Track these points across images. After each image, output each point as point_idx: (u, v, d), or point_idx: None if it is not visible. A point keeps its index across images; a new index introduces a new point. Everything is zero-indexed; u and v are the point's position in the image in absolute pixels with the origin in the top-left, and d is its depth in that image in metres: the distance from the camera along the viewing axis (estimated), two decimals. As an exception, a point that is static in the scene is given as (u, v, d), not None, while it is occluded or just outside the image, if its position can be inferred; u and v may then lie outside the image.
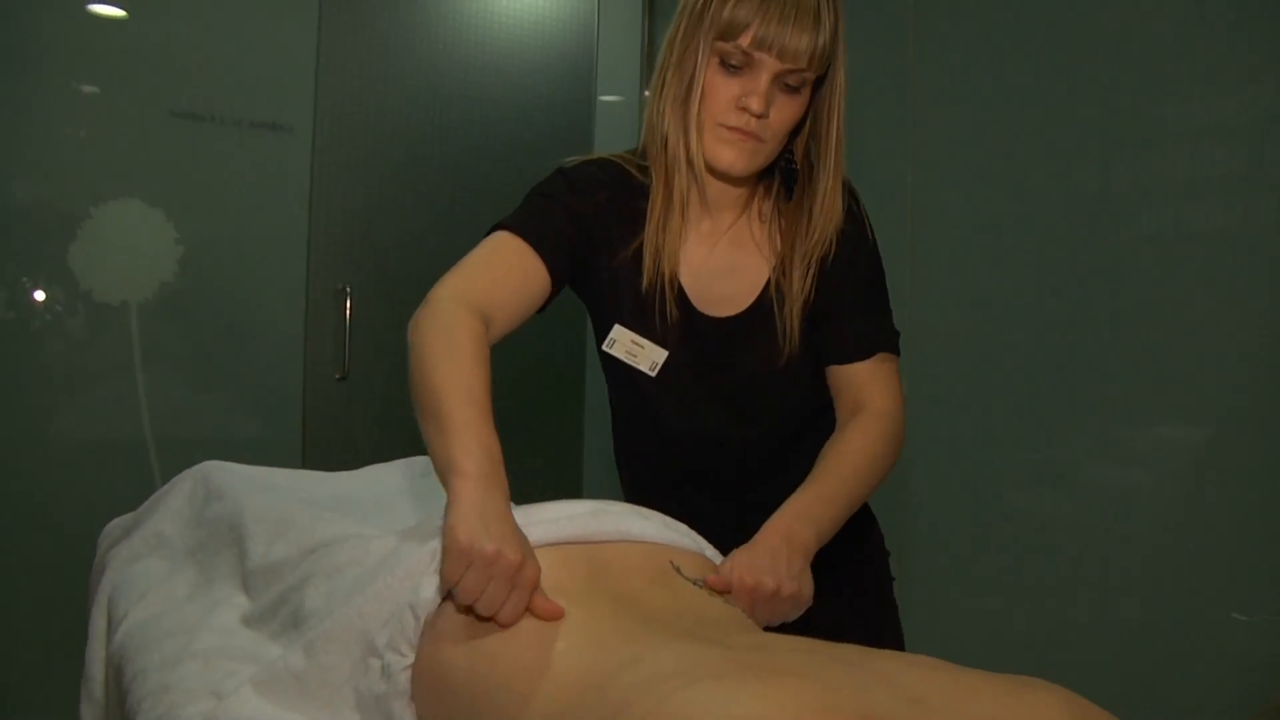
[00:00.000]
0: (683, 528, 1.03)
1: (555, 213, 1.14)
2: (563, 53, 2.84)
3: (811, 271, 1.16)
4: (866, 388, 1.17)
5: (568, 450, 2.87)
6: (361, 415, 2.55)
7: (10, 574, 2.19)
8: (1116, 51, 1.88)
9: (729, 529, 1.06)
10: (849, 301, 1.18)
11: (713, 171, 1.14)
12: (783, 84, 1.08)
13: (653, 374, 1.19)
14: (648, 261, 1.16)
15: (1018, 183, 2.08)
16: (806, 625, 0.99)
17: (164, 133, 2.32)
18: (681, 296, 1.18)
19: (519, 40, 2.77)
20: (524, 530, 0.86)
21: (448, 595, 0.85)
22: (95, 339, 2.29)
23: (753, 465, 1.24)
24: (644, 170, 1.18)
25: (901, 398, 1.18)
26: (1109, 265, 1.88)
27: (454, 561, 0.81)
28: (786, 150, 1.17)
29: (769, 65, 1.06)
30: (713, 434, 1.22)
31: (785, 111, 1.10)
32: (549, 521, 0.91)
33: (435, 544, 0.86)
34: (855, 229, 1.19)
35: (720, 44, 1.07)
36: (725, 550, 1.03)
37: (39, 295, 2.23)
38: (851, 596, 1.26)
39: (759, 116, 1.07)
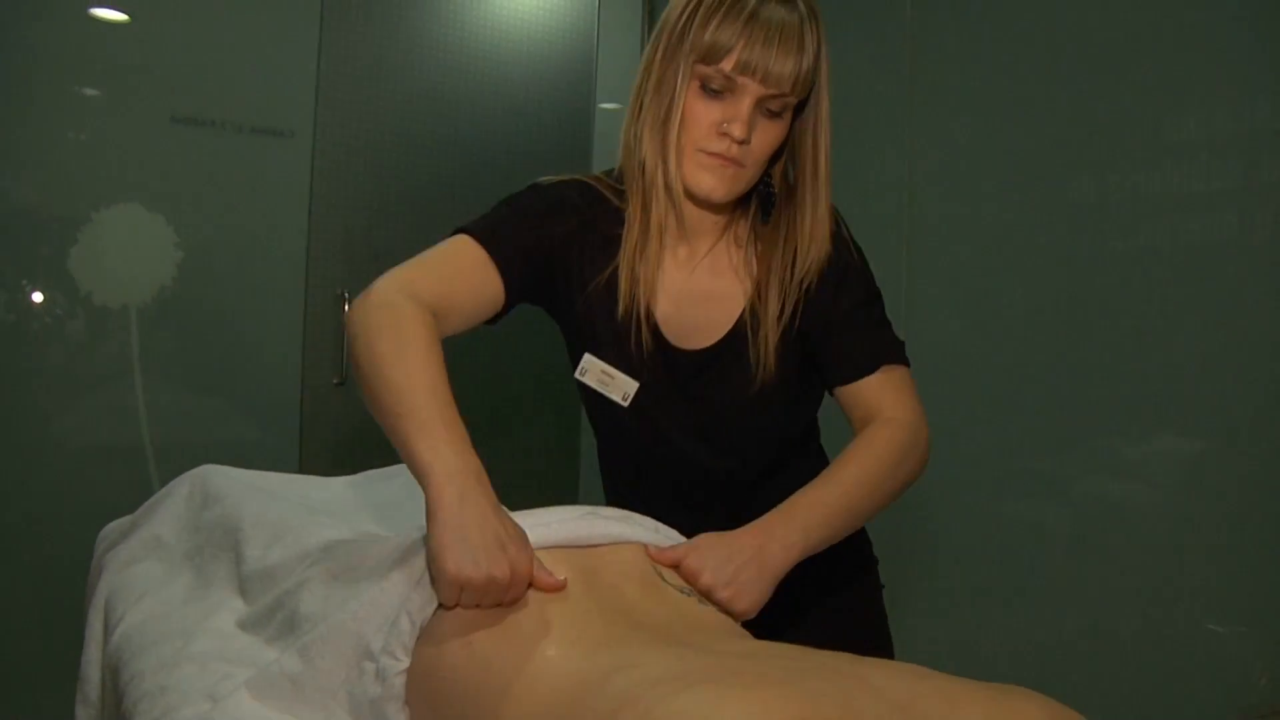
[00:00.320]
0: (673, 533, 1.04)
1: (523, 229, 1.11)
2: (562, 60, 2.86)
3: (791, 296, 1.12)
4: (877, 401, 1.12)
5: (563, 453, 2.87)
6: (359, 420, 2.54)
7: (7, 576, 2.18)
8: (1114, 65, 1.89)
9: None
10: (841, 321, 1.14)
11: (692, 198, 1.11)
12: (765, 109, 1.06)
13: (625, 404, 1.17)
14: (623, 289, 1.12)
15: (1014, 195, 2.08)
16: (795, 632, 0.99)
17: (165, 137, 2.33)
18: (655, 330, 1.15)
19: (519, 48, 2.79)
20: None
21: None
22: (95, 343, 2.30)
23: (736, 492, 1.21)
24: (620, 194, 1.15)
25: (918, 406, 1.14)
26: (1104, 277, 1.89)
27: (447, 590, 0.82)
28: (764, 173, 1.14)
29: (752, 90, 1.03)
30: (690, 463, 1.20)
31: (766, 136, 1.07)
32: (539, 526, 0.91)
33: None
34: (841, 251, 1.15)
35: (701, 67, 1.04)
36: None
37: (39, 298, 2.23)
38: (840, 604, 1.26)
39: (741, 143, 1.05)
